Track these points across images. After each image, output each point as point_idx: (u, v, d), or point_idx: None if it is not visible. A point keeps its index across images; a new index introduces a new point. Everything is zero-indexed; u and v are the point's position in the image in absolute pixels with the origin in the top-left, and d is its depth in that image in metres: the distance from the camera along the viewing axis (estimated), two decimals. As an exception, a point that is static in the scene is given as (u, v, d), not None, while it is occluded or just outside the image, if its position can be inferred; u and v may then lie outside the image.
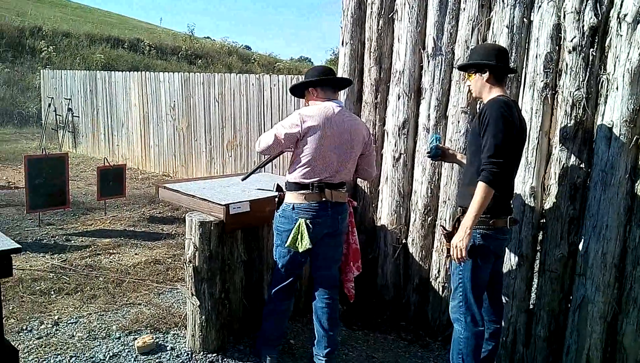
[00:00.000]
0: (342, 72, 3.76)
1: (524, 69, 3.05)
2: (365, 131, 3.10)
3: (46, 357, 3.15)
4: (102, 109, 10.35)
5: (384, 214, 3.71)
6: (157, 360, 3.16)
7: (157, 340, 3.35)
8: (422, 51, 3.44)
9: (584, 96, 2.82)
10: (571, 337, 2.96)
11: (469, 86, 2.77)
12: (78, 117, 10.97)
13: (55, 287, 4.13)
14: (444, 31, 3.33)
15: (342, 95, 3.71)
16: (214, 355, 3.21)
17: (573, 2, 2.81)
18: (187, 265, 3.14)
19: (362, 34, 3.72)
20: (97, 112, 10.49)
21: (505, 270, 3.06)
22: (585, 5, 2.77)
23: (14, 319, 3.57)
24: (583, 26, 2.79)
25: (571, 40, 2.83)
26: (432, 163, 3.41)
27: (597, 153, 2.81)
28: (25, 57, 17.31)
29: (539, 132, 2.97)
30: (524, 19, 3.02)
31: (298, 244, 2.90)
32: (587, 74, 2.81)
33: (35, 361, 3.10)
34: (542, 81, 2.94)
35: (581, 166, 2.89)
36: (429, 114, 3.43)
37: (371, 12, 3.63)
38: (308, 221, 2.89)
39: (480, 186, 2.44)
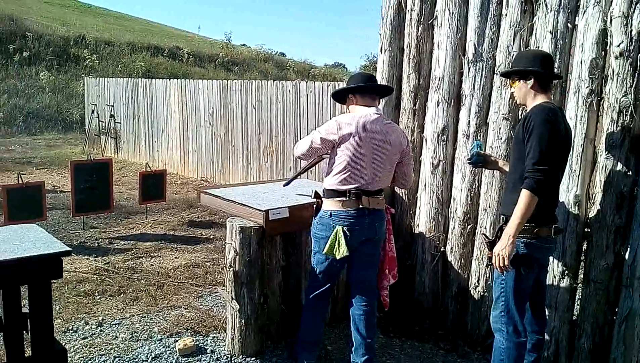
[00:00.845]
0: (380, 78, 3.77)
1: (568, 75, 3.00)
2: (403, 139, 3.09)
3: (91, 356, 3.25)
4: (142, 115, 10.63)
5: (422, 222, 3.68)
6: (197, 363, 3.22)
7: (197, 342, 3.41)
8: (462, 57, 3.41)
9: (632, 102, 2.74)
10: (617, 350, 2.87)
11: (512, 92, 2.74)
12: (120, 123, 11.28)
13: (99, 289, 4.26)
14: (485, 37, 3.30)
15: (381, 101, 3.72)
16: (252, 359, 3.25)
17: (620, 6, 2.75)
18: (228, 270, 3.20)
19: (401, 40, 3.72)
20: (138, 119, 10.77)
21: (548, 280, 2.99)
22: (634, 9, 2.70)
23: (60, 319, 3.69)
24: (631, 31, 2.72)
25: (618, 46, 2.76)
26: (472, 170, 3.38)
27: (646, 160, 2.73)
28: (69, 65, 17.96)
29: (583, 139, 2.91)
30: (568, 24, 2.97)
31: (335, 251, 2.92)
32: (635, 80, 2.74)
33: (81, 360, 3.21)
34: (587, 87, 2.88)
35: (628, 174, 2.81)
36: (469, 121, 3.40)
37: (410, 18, 3.63)
38: (345, 229, 2.90)
39: (524, 194, 2.40)
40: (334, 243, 2.91)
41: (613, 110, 2.80)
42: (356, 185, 2.92)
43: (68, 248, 2.47)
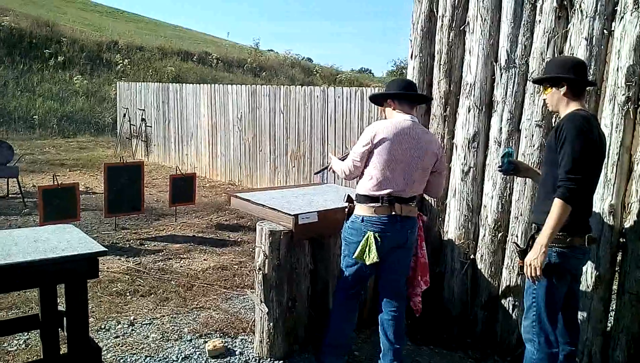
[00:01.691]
0: (411, 85, 3.76)
1: (603, 82, 2.95)
2: (437, 147, 3.08)
3: (123, 355, 3.32)
4: (173, 119, 10.81)
5: (452, 229, 3.66)
6: (225, 364, 3.26)
7: (226, 344, 3.45)
8: (494, 64, 3.39)
9: (670, 110, 2.69)
10: (653, 363, 2.81)
11: (544, 99, 2.71)
12: (151, 126, 11.50)
13: (131, 289, 4.35)
14: (517, 43, 3.27)
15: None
16: (280, 361, 3.27)
17: (659, 12, 2.70)
18: (257, 273, 3.23)
19: (432, 46, 3.71)
20: (168, 123, 10.96)
21: (581, 290, 2.94)
22: (673, 16, 2.65)
23: (93, 318, 3.78)
24: (670, 37, 2.67)
25: (656, 52, 2.71)
26: (503, 177, 3.34)
27: (685, 170, 2.67)
28: (102, 70, 18.40)
29: (619, 147, 2.86)
30: (604, 31, 2.92)
31: (365, 256, 2.92)
32: (674, 87, 2.68)
33: (114, 359, 3.28)
34: (623, 94, 2.83)
35: (666, 183, 2.75)
36: (500, 128, 3.37)
37: (442, 25, 3.62)
38: (377, 235, 2.91)
39: (557, 203, 2.37)
40: (364, 249, 2.92)
41: (650, 118, 2.75)
42: (389, 191, 2.92)
43: (104, 249, 2.53)
